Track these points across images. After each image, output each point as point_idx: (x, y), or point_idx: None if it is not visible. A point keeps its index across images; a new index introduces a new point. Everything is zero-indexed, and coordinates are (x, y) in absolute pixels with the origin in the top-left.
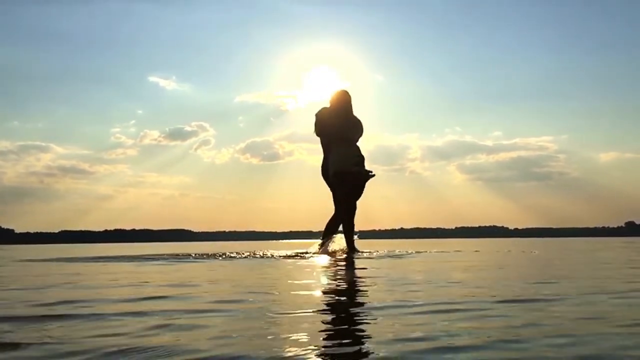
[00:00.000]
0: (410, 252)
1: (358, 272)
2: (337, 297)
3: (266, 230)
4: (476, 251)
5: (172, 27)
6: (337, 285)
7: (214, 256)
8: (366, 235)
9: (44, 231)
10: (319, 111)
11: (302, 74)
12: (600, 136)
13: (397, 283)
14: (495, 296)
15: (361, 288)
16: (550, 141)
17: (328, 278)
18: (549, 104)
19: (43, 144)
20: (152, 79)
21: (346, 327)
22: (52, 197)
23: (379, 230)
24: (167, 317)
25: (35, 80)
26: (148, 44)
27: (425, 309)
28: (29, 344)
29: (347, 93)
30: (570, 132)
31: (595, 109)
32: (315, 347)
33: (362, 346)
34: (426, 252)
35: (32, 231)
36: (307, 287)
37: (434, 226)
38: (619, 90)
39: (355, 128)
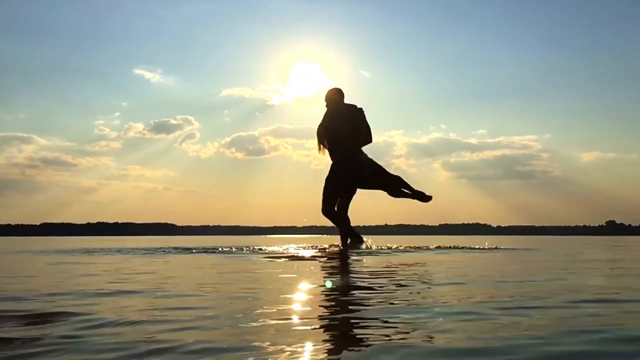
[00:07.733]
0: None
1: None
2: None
3: (250, 225)
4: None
5: (158, 20)
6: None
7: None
8: None
9: (25, 223)
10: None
11: (288, 69)
12: (582, 136)
13: None
14: None
15: None
16: (534, 140)
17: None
18: (534, 103)
19: (25, 135)
20: (138, 71)
21: None
22: (34, 189)
23: (363, 226)
24: None
25: (18, 71)
26: (134, 36)
27: None
28: None
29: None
30: (553, 131)
31: (579, 109)
32: None
33: None
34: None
35: (12, 223)
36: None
37: (417, 223)
38: (602, 90)
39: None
